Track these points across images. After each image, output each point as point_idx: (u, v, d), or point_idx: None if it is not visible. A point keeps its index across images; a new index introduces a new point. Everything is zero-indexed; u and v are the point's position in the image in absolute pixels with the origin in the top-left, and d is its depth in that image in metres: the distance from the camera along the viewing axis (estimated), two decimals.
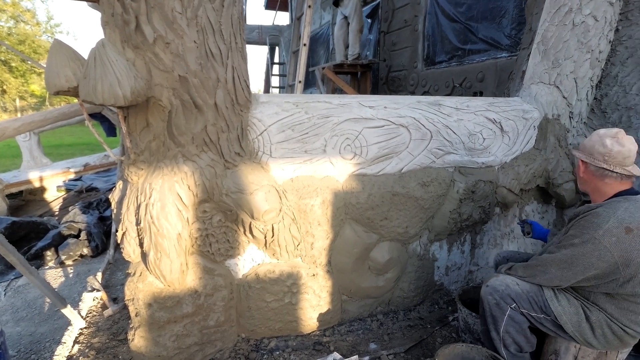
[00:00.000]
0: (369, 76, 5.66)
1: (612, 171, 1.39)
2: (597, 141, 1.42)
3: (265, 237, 1.77)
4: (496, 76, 3.66)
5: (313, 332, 2.04)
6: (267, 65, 9.43)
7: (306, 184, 1.88)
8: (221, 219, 1.72)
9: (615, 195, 1.41)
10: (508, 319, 1.47)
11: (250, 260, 1.86)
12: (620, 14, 2.51)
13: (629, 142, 1.39)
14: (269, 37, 9.15)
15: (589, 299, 1.42)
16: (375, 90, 5.98)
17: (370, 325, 2.10)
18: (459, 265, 2.44)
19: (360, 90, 5.74)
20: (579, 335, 1.40)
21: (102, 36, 1.49)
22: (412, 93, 5.00)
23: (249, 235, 1.77)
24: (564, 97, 2.50)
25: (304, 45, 3.65)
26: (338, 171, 1.96)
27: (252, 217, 1.67)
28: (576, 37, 2.40)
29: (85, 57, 1.42)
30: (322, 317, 2.04)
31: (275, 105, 1.82)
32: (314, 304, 2.00)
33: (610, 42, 2.50)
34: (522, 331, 1.47)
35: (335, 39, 5.71)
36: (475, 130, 2.28)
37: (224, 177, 1.67)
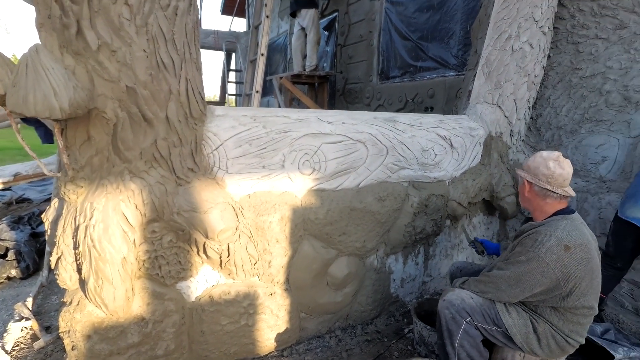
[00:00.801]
0: (326, 87, 5.74)
1: (554, 192, 1.49)
2: (541, 163, 1.51)
3: (220, 257, 1.69)
4: (445, 93, 3.87)
5: (271, 353, 1.98)
6: (224, 71, 9.21)
7: (264, 200, 1.84)
8: (172, 240, 1.61)
9: (555, 214, 1.52)
10: (463, 333, 1.53)
11: (204, 282, 1.77)
12: (551, 42, 2.78)
13: (567, 165, 1.51)
14: (226, 43, 8.96)
15: (536, 311, 1.52)
16: (332, 102, 6.07)
17: (329, 342, 2.08)
18: (414, 277, 2.51)
19: (317, 101, 5.80)
20: (526, 345, 1.49)
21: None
22: (368, 106, 5.14)
23: (203, 256, 1.68)
24: (505, 116, 2.70)
25: (262, 55, 3.61)
26: (297, 186, 1.94)
27: (207, 237, 1.59)
28: (515, 62, 2.62)
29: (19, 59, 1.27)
30: (280, 337, 1.98)
31: (232, 118, 1.76)
32: (272, 324, 1.94)
33: (543, 67, 2.76)
34: (476, 345, 1.54)
35: (293, 49, 5.73)
36: (428, 147, 2.38)
37: (176, 194, 1.57)
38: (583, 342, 1.50)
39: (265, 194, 1.85)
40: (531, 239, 1.46)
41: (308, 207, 1.95)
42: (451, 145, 2.48)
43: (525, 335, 1.49)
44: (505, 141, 2.71)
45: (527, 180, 1.56)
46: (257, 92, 3.70)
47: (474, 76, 2.75)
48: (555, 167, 1.48)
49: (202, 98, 1.66)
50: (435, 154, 2.42)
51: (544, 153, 1.54)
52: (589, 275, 1.41)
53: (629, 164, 2.40)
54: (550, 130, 2.88)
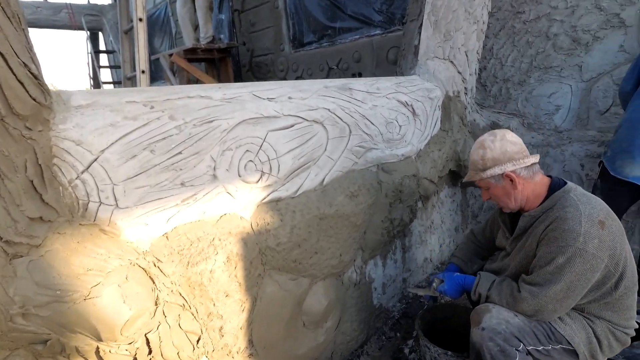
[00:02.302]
0: (229, 62, 4.85)
1: (536, 163, 1.24)
2: (504, 144, 1.23)
3: (135, 358, 0.95)
4: (373, 55, 3.44)
5: None
6: (91, 56, 7.37)
7: (194, 238, 1.13)
8: None
9: (549, 192, 1.24)
10: None
11: None
12: None
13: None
14: (85, 18, 7.13)
15: (584, 310, 1.21)
16: (238, 79, 5.22)
17: None
18: (394, 278, 2.08)
19: (221, 79, 4.89)
20: (588, 354, 1.17)
21: None
22: (284, 79, 4.48)
23: None
24: (459, 72, 2.36)
25: (140, 20, 2.63)
26: (241, 203, 1.27)
27: (100, 340, 0.84)
28: (463, 7, 2.25)
29: None
30: None
31: (109, 110, 0.98)
32: None
33: (489, 12, 2.47)
34: None
35: (180, 19, 4.67)
36: (391, 117, 1.90)
37: (12, 277, 0.77)
38: (636, 325, 1.25)
39: (193, 226, 1.14)
40: (556, 230, 1.13)
41: (264, 230, 1.30)
42: (414, 112, 2.04)
43: (588, 341, 1.18)
44: (462, 101, 2.39)
45: (510, 173, 1.20)
46: (143, 72, 2.74)
47: (419, 28, 2.32)
48: (515, 137, 1.25)
49: (36, 76, 0.84)
50: (400, 126, 1.95)
51: (490, 136, 1.27)
52: (627, 245, 1.18)
53: (585, 110, 2.29)
54: (496, 84, 2.66)
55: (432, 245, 2.41)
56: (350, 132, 1.66)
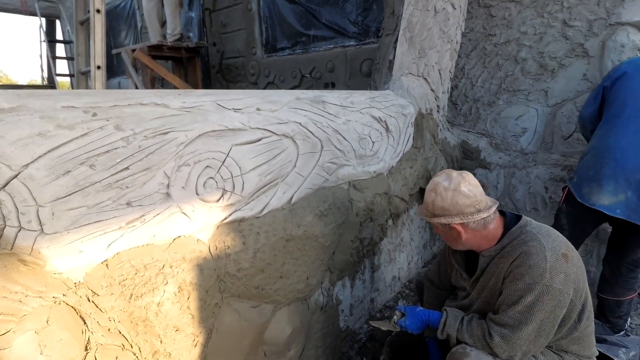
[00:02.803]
0: (198, 63, 4.64)
1: (489, 216, 1.16)
2: (455, 196, 1.14)
3: None
4: (347, 66, 3.40)
5: None
6: (45, 45, 6.81)
7: (140, 265, 0.98)
8: None
9: (505, 229, 1.20)
10: None
11: None
12: None
13: (473, 177, 1.20)
14: (40, 4, 6.59)
15: (553, 347, 1.19)
16: (207, 81, 5.01)
17: None
18: (362, 298, 2.01)
19: (188, 80, 4.66)
20: None
21: None
22: (255, 84, 4.35)
23: None
24: (432, 89, 2.35)
25: (97, 12, 2.41)
26: (198, 224, 1.13)
27: None
28: (438, 25, 2.25)
29: None
30: None
31: (39, 116, 0.83)
32: None
33: (462, 32, 2.49)
34: None
35: (146, 14, 4.41)
36: (365, 133, 1.83)
37: None
38: (597, 352, 1.26)
39: (140, 252, 0.99)
40: (522, 266, 1.09)
41: (223, 255, 1.18)
42: (387, 128, 1.99)
43: None
44: (435, 119, 2.38)
45: (455, 226, 1.15)
46: (99, 67, 2.51)
47: (394, 43, 2.30)
48: (470, 188, 1.15)
49: None
50: (373, 142, 1.90)
51: (439, 182, 1.17)
52: (585, 274, 1.17)
53: (549, 133, 2.35)
54: (466, 103, 2.69)
55: (401, 263, 2.36)
56: (322, 147, 1.57)
